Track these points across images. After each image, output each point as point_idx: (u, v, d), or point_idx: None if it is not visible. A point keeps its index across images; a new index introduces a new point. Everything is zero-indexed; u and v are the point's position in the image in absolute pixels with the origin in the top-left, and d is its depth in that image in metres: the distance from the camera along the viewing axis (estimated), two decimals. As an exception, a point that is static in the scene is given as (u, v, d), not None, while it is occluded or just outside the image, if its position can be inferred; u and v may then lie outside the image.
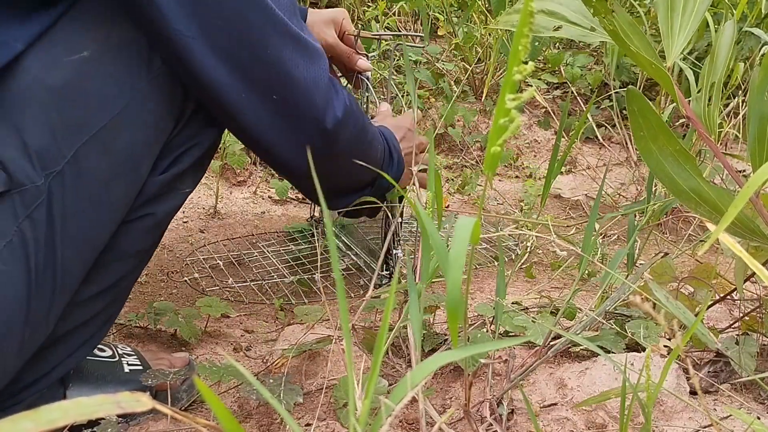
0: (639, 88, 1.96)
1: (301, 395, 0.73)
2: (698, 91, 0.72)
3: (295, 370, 0.82)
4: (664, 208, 1.00)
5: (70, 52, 0.58)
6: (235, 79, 0.64)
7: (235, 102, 0.65)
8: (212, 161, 1.44)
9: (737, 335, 0.77)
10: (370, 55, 1.07)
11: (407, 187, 0.94)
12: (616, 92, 1.99)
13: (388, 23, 2.15)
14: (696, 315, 0.77)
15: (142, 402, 0.27)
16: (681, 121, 1.96)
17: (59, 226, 0.58)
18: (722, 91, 1.87)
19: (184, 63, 0.61)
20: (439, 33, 2.26)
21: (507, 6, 1.96)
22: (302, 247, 1.28)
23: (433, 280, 0.63)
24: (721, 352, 0.76)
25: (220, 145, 1.46)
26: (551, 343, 0.76)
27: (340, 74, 1.05)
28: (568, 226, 1.50)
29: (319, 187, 0.37)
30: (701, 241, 1.33)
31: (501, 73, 2.10)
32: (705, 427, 0.66)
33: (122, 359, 0.78)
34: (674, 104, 1.69)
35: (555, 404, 0.70)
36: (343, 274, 1.18)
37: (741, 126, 1.76)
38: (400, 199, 0.96)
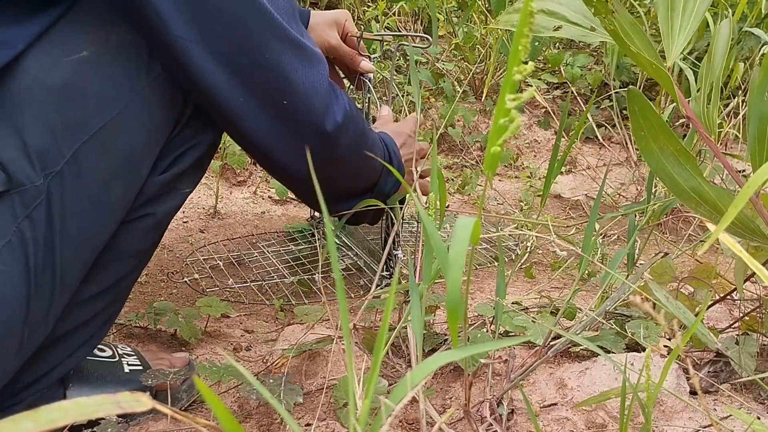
0: (639, 88, 1.96)
1: (301, 395, 0.73)
2: (698, 91, 0.72)
3: (295, 370, 0.82)
4: (665, 208, 1.00)
5: (70, 53, 0.58)
6: (234, 84, 0.64)
7: (235, 107, 0.65)
8: (212, 161, 1.44)
9: (737, 335, 0.77)
10: (372, 56, 1.07)
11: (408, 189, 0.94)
12: (616, 92, 1.99)
13: (388, 23, 2.15)
14: (696, 315, 0.77)
15: (142, 402, 0.27)
16: (681, 121, 1.96)
17: (58, 226, 0.58)
18: (722, 91, 1.87)
19: (184, 68, 0.61)
20: (439, 33, 2.26)
21: (507, 6, 1.96)
22: (302, 247, 1.28)
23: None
24: (721, 352, 0.76)
25: (220, 145, 1.47)
26: (551, 343, 0.76)
27: (342, 75, 1.05)
28: (568, 226, 1.50)
29: (319, 192, 0.37)
30: (701, 241, 1.33)
31: (501, 73, 2.10)
32: (705, 427, 0.66)
33: (122, 359, 0.78)
34: (674, 104, 1.69)
35: (555, 404, 0.70)
36: (343, 275, 1.18)
37: (741, 126, 1.76)
38: (401, 201, 0.96)
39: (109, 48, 0.59)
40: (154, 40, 0.60)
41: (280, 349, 0.87)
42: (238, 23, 0.62)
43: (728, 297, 0.87)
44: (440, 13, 2.27)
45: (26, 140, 0.56)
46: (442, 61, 2.10)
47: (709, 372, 0.77)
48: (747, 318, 0.80)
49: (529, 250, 1.35)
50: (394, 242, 1.05)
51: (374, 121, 1.07)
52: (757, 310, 0.81)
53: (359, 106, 1.10)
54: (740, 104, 1.83)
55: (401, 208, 0.94)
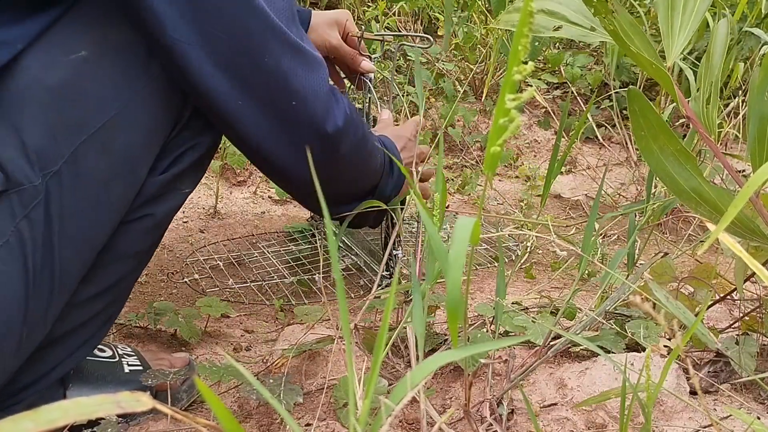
0: (639, 88, 1.96)
1: (301, 395, 0.73)
2: (697, 91, 0.72)
3: (295, 370, 0.82)
4: (665, 208, 1.00)
5: (68, 52, 0.58)
6: (233, 88, 0.64)
7: (234, 110, 0.65)
8: (212, 161, 1.43)
9: (737, 335, 0.77)
10: (372, 56, 1.07)
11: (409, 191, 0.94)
12: (616, 92, 1.99)
13: (388, 23, 2.15)
14: (696, 315, 0.77)
15: (142, 402, 0.27)
16: (681, 121, 1.96)
17: (57, 226, 0.58)
18: (722, 91, 1.87)
19: (183, 70, 0.61)
20: (439, 33, 2.26)
21: (507, 6, 1.95)
22: (302, 247, 1.28)
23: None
24: (721, 352, 0.76)
25: (220, 145, 1.46)
26: (551, 343, 0.76)
27: (343, 75, 1.05)
28: (568, 226, 1.50)
29: (321, 195, 0.37)
30: (701, 241, 1.33)
31: (501, 73, 2.10)
32: (705, 427, 0.66)
33: (122, 359, 0.78)
34: (674, 104, 1.69)
35: (555, 404, 0.70)
36: (343, 275, 1.18)
37: (741, 126, 1.76)
38: (401, 203, 0.96)
39: (107, 48, 0.59)
40: (153, 41, 0.60)
41: (280, 349, 0.87)
42: (238, 27, 0.62)
43: (728, 297, 0.87)
44: (440, 13, 2.27)
45: (25, 140, 0.56)
46: (442, 61, 2.10)
47: (709, 372, 0.77)
48: (747, 318, 0.80)
49: (529, 250, 1.35)
50: (394, 242, 1.05)
51: (375, 121, 1.07)
52: (757, 310, 0.81)
53: (359, 106, 1.10)
54: (740, 104, 1.83)
55: (402, 209, 0.94)
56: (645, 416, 0.48)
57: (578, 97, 2.15)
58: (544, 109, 2.13)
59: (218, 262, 1.20)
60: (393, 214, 0.94)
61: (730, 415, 0.67)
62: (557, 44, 2.32)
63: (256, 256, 1.24)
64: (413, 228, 1.34)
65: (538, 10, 0.68)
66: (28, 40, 0.57)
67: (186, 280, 1.12)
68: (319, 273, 1.15)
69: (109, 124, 0.59)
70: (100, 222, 0.62)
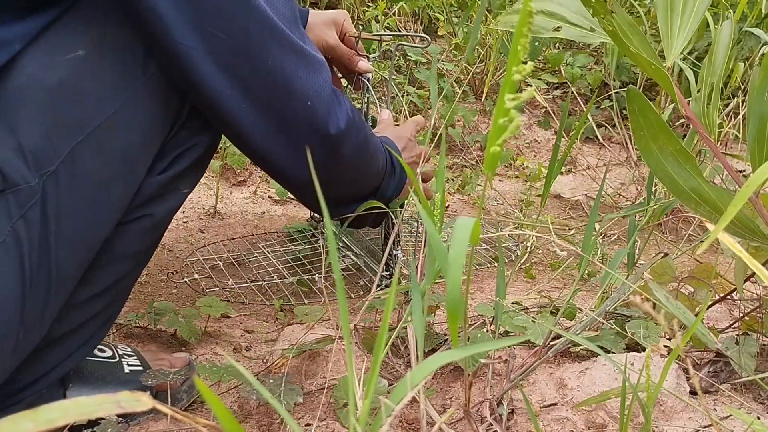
0: (639, 88, 1.96)
1: (301, 395, 0.73)
2: (698, 91, 0.72)
3: (295, 370, 0.82)
4: (665, 208, 1.00)
5: (66, 52, 0.58)
6: (235, 90, 0.64)
7: (236, 112, 0.65)
8: (212, 161, 1.43)
9: (737, 335, 0.77)
10: (370, 56, 1.07)
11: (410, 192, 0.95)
12: (616, 92, 1.99)
13: (388, 23, 2.15)
14: (696, 315, 0.77)
15: (142, 402, 0.27)
16: (681, 121, 1.96)
17: (53, 226, 0.58)
18: (722, 91, 1.87)
19: (184, 72, 0.61)
20: (439, 33, 2.26)
21: (507, 6, 1.96)
22: (302, 247, 1.28)
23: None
24: (721, 352, 0.76)
25: (220, 145, 1.47)
26: (551, 343, 0.76)
27: (340, 75, 1.05)
28: (569, 228, 1.50)
29: (320, 196, 0.37)
30: (701, 241, 1.33)
31: (501, 73, 2.10)
32: (705, 427, 0.66)
33: (122, 360, 0.78)
34: (674, 104, 1.69)
35: (555, 404, 0.70)
36: (343, 275, 1.18)
37: (741, 126, 1.76)
38: (402, 205, 0.96)
39: (106, 47, 0.59)
40: (154, 42, 0.60)
41: (280, 349, 0.87)
42: (240, 28, 0.62)
43: (728, 297, 0.87)
44: (440, 13, 2.27)
45: (21, 140, 0.56)
46: (442, 61, 2.10)
47: (709, 372, 0.77)
48: (747, 318, 0.80)
49: (529, 250, 1.35)
50: (393, 242, 1.05)
51: (373, 121, 1.07)
52: (757, 310, 0.81)
53: (357, 106, 1.10)
54: (740, 104, 1.83)
55: (401, 210, 0.94)
56: (645, 416, 0.48)
57: (578, 97, 2.15)
58: (544, 109, 2.13)
59: (218, 262, 1.20)
60: (393, 215, 0.94)
61: (730, 415, 0.67)
62: (557, 44, 2.32)
63: (256, 256, 1.24)
64: (413, 228, 1.34)
65: (537, 11, 0.68)
66: (27, 40, 0.57)
67: (186, 280, 1.12)
68: (318, 273, 1.15)
69: (106, 123, 0.59)
70: (98, 222, 0.61)
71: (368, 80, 1.03)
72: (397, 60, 2.05)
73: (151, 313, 0.94)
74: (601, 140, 1.98)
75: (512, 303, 0.95)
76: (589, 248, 0.76)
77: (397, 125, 1.03)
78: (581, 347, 0.80)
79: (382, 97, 1.11)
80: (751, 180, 0.44)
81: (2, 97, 0.56)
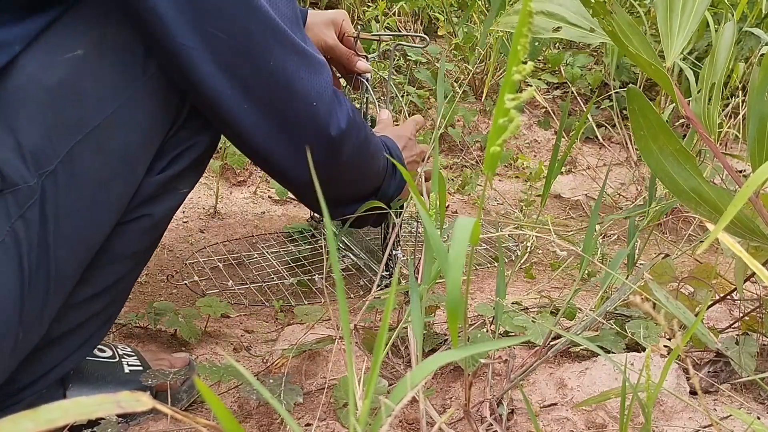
0: (639, 88, 1.96)
1: (301, 395, 0.73)
2: (698, 92, 0.72)
3: (295, 370, 0.82)
4: (665, 208, 1.00)
5: (65, 51, 0.58)
6: (236, 90, 0.64)
7: (236, 113, 0.65)
8: (212, 161, 1.43)
9: (737, 335, 0.77)
10: (370, 55, 1.07)
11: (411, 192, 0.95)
12: (616, 92, 1.99)
13: (388, 23, 2.15)
14: (696, 315, 0.77)
15: (142, 402, 0.27)
16: (681, 121, 1.96)
17: (52, 226, 0.58)
18: (722, 91, 1.88)
19: (184, 72, 0.61)
20: (439, 33, 2.26)
21: (507, 6, 1.95)
22: (302, 247, 1.28)
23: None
24: (721, 352, 0.76)
25: (220, 145, 1.47)
26: (551, 343, 0.76)
27: (339, 76, 1.05)
28: (569, 228, 1.50)
29: (322, 198, 0.37)
30: (701, 241, 1.33)
31: (501, 73, 2.10)
32: (705, 427, 0.66)
33: (122, 360, 0.78)
34: (674, 104, 1.69)
35: (555, 404, 0.70)
36: (343, 275, 1.18)
37: (741, 126, 1.76)
38: (402, 206, 0.96)
39: (104, 47, 0.59)
40: (155, 42, 0.60)
41: (280, 349, 0.87)
42: (241, 29, 0.62)
43: (728, 297, 0.87)
44: (440, 13, 2.27)
45: (20, 140, 0.56)
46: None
47: (709, 372, 0.77)
48: (747, 318, 0.80)
49: (529, 250, 1.35)
50: (393, 242, 1.05)
51: (372, 121, 1.07)
52: (757, 310, 0.81)
53: (357, 106, 1.10)
54: (740, 104, 1.83)
55: (401, 210, 0.94)
56: (645, 416, 0.48)
57: (578, 97, 2.15)
58: (544, 109, 2.13)
59: (218, 263, 1.20)
60: (393, 215, 0.94)
61: (730, 415, 0.67)
62: (557, 44, 2.32)
63: (256, 257, 1.24)
64: (413, 228, 1.34)
65: (537, 11, 0.68)
66: (27, 41, 0.57)
67: (186, 282, 1.12)
68: (318, 273, 1.15)
69: (105, 123, 0.59)
70: (97, 222, 0.61)
71: (367, 80, 1.03)
72: (397, 60, 2.05)
73: (151, 313, 0.94)
74: (601, 140, 1.98)
75: (512, 303, 0.95)
76: (590, 249, 0.76)
77: (397, 125, 1.03)
78: (581, 347, 0.80)
79: (382, 97, 1.11)
80: (751, 180, 0.44)
81: (2, 97, 0.56)
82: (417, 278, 0.76)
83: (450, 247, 0.39)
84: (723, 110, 1.84)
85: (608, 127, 2.04)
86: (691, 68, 1.62)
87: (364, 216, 0.88)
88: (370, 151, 0.81)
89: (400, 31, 2.20)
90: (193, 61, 0.61)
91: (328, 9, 1.95)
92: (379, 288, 0.84)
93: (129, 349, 0.80)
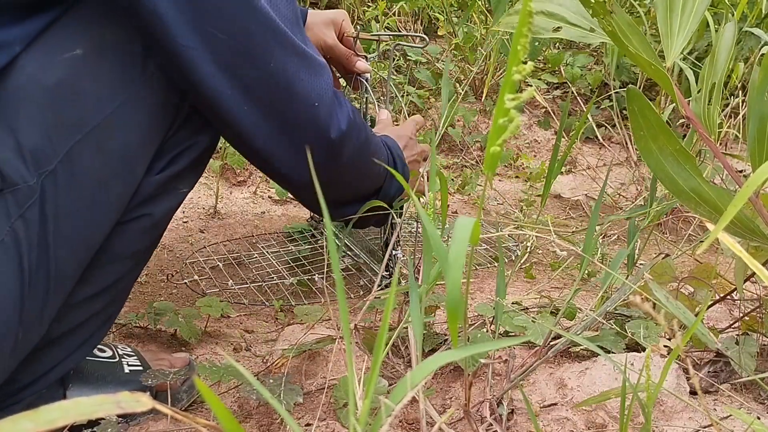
0: (639, 88, 1.96)
1: (301, 395, 0.73)
2: (698, 92, 0.72)
3: (295, 370, 0.82)
4: (665, 208, 1.00)
5: (64, 51, 0.58)
6: (236, 91, 0.64)
7: (236, 113, 0.65)
8: (212, 161, 1.43)
9: (737, 335, 0.77)
10: (369, 55, 1.07)
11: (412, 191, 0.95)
12: (616, 92, 1.99)
13: (388, 23, 2.15)
14: (696, 315, 0.77)
15: (142, 402, 0.27)
16: (681, 121, 1.96)
17: (52, 225, 0.58)
18: (722, 91, 1.88)
19: (184, 72, 0.61)
20: (439, 33, 2.26)
21: (507, 7, 1.95)
22: (302, 247, 1.28)
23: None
24: (721, 352, 0.76)
25: (220, 145, 1.47)
26: (551, 343, 0.76)
27: (339, 76, 1.05)
28: (569, 228, 1.50)
29: (322, 199, 0.37)
30: (701, 241, 1.33)
31: (501, 73, 2.10)
32: (705, 427, 0.66)
33: (122, 360, 0.78)
34: (674, 104, 1.69)
35: (555, 404, 0.70)
36: (343, 275, 1.18)
37: (741, 126, 1.76)
38: (401, 207, 0.96)
39: (103, 47, 0.59)
40: (154, 43, 0.60)
41: (280, 349, 0.87)
42: (242, 30, 0.62)
43: (728, 297, 0.87)
44: (440, 13, 2.27)
45: (20, 140, 0.56)
46: (442, 61, 2.10)
47: (709, 372, 0.77)
48: (747, 318, 0.80)
49: (529, 250, 1.35)
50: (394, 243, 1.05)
51: (372, 122, 1.07)
52: (757, 310, 0.81)
53: (357, 105, 1.10)
54: (740, 104, 1.83)
55: (401, 211, 0.94)
56: (645, 416, 0.48)
57: (578, 97, 2.15)
58: (544, 109, 2.13)
59: (218, 262, 1.20)
60: (393, 214, 0.94)
61: (730, 415, 0.67)
62: (557, 44, 2.32)
63: (256, 257, 1.24)
64: (413, 228, 1.34)
65: (537, 11, 0.68)
66: (27, 42, 0.57)
67: (186, 281, 1.12)
68: (318, 273, 1.15)
69: (105, 123, 0.59)
70: (96, 222, 0.61)
71: (367, 80, 1.03)
72: (397, 60, 2.05)
73: (151, 313, 0.94)
74: (601, 140, 1.98)
75: (512, 303, 0.95)
76: (590, 249, 0.76)
77: (397, 125, 1.03)
78: (581, 347, 0.80)
79: (381, 97, 1.11)
80: (751, 180, 0.44)
81: (2, 97, 0.56)
82: (417, 278, 0.76)
83: (450, 248, 0.39)
84: (723, 110, 1.84)
85: (608, 127, 2.04)
86: (691, 68, 1.62)
87: (367, 216, 0.88)
88: (371, 152, 0.81)
89: (400, 31, 2.20)
90: (193, 61, 0.60)
91: (328, 9, 1.95)
92: (379, 288, 0.84)
93: (129, 349, 0.80)
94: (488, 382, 0.73)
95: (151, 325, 0.94)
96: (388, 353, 0.83)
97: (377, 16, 2.12)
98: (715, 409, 0.70)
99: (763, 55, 1.55)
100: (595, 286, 1.13)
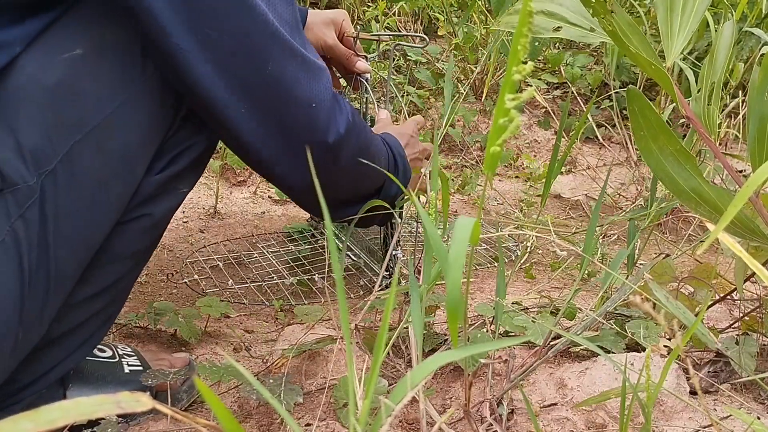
0: (639, 88, 1.96)
1: (301, 395, 0.73)
2: (698, 92, 0.72)
3: (295, 370, 0.82)
4: (665, 209, 1.00)
5: (64, 51, 0.58)
6: (233, 95, 0.63)
7: (233, 117, 0.65)
8: (212, 161, 1.43)
9: (737, 335, 0.77)
10: (369, 55, 1.07)
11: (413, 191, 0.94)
12: (616, 92, 1.99)
13: (388, 23, 2.15)
14: (696, 315, 0.77)
15: (142, 402, 0.27)
16: (681, 121, 1.96)
17: (52, 225, 0.58)
18: (722, 91, 1.88)
19: (180, 74, 0.61)
20: (439, 33, 2.26)
21: (507, 6, 1.95)
22: (302, 247, 1.28)
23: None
24: (721, 352, 0.76)
25: (220, 145, 1.46)
26: (551, 343, 0.76)
27: (339, 76, 1.05)
28: (569, 228, 1.50)
29: (322, 200, 0.36)
30: (701, 241, 1.33)
31: (501, 73, 2.10)
32: (705, 427, 0.66)
33: (122, 360, 0.78)
34: (674, 104, 1.69)
35: (555, 404, 0.70)
36: (343, 275, 1.17)
37: (741, 126, 1.76)
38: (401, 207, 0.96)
39: (103, 47, 0.59)
40: (151, 44, 0.60)
41: (280, 349, 0.87)
42: (240, 33, 0.61)
43: (728, 297, 0.87)
44: (440, 13, 2.27)
45: (20, 140, 0.56)
46: (442, 61, 2.10)
47: (709, 372, 0.77)
48: (747, 318, 0.80)
49: (529, 250, 1.35)
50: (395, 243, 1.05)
51: (372, 122, 1.07)
52: (757, 310, 0.81)
53: (356, 106, 1.10)
54: (740, 104, 1.83)
55: (401, 211, 0.94)
56: (645, 416, 0.48)
57: (578, 97, 2.15)
58: (544, 109, 2.13)
59: (218, 262, 1.20)
60: (394, 215, 0.94)
61: (730, 415, 0.67)
62: (557, 44, 2.32)
63: (256, 257, 1.24)
64: (413, 228, 1.34)
65: (537, 11, 0.68)
66: (27, 42, 0.57)
67: (186, 280, 1.12)
68: (318, 273, 1.15)
69: (105, 123, 0.59)
70: (96, 222, 0.61)
71: (367, 80, 1.03)
72: (397, 60, 2.05)
73: (151, 313, 0.94)
74: (601, 140, 1.99)
75: (512, 303, 0.95)
76: (590, 249, 0.76)
77: (396, 124, 1.03)
78: (581, 347, 0.80)
79: (381, 98, 1.11)
80: (751, 180, 0.44)
81: (2, 97, 0.56)
82: (417, 278, 0.76)
83: (450, 248, 0.39)
84: (723, 110, 1.84)
85: (608, 127, 2.04)
86: (691, 68, 1.62)
87: (369, 215, 0.88)
88: (371, 153, 0.81)
89: (400, 31, 2.20)
90: (188, 62, 0.60)
91: (328, 9, 1.95)
92: (379, 288, 0.84)
93: (129, 349, 0.80)
94: (488, 382, 0.73)
95: (151, 325, 0.94)
96: (388, 353, 0.83)
97: (377, 16, 2.12)
98: (715, 409, 0.70)
99: (763, 55, 1.55)
100: (595, 286, 1.13)
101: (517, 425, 0.69)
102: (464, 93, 2.00)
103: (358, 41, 1.00)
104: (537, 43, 2.01)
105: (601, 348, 0.76)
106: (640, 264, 1.11)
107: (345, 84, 1.08)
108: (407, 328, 0.70)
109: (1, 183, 0.55)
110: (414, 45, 1.11)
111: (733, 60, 1.85)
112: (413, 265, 0.73)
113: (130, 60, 0.60)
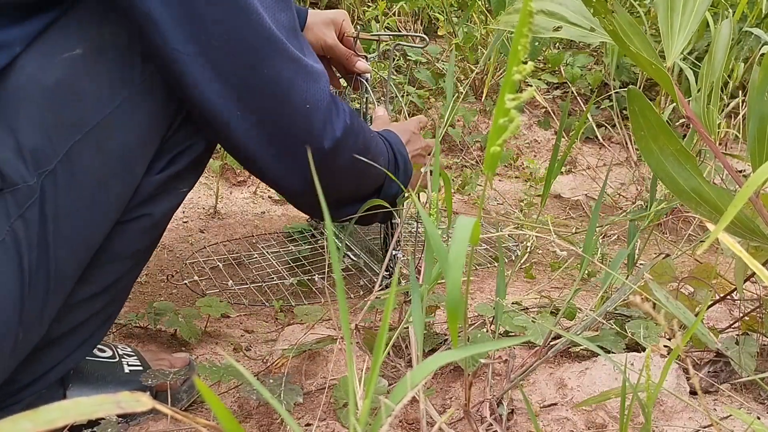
0: (639, 88, 1.96)
1: (301, 395, 0.73)
2: (698, 91, 0.72)
3: (295, 370, 0.82)
4: (666, 209, 1.00)
5: (63, 51, 0.58)
6: (230, 99, 0.63)
7: (228, 120, 0.65)
8: (212, 161, 1.43)
9: (737, 335, 0.77)
10: (369, 55, 1.07)
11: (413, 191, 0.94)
12: (616, 92, 1.99)
13: (388, 23, 2.15)
14: (696, 315, 0.77)
15: (142, 402, 0.27)
16: (681, 121, 1.96)
17: (52, 225, 0.58)
18: (722, 91, 1.88)
19: (177, 77, 0.61)
20: (439, 33, 2.26)
21: (507, 6, 1.95)
22: (302, 247, 1.28)
23: (433, 280, 0.63)
24: (721, 352, 0.76)
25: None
26: (551, 343, 0.76)
27: (339, 76, 1.05)
28: (569, 228, 1.50)
29: (323, 200, 0.36)
30: (701, 241, 1.33)
31: (501, 73, 2.10)
32: (705, 427, 0.66)
33: (122, 360, 0.78)
34: (674, 104, 1.69)
35: (555, 404, 0.70)
36: (343, 275, 1.17)
37: (741, 126, 1.76)
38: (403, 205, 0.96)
39: (102, 47, 0.59)
40: (149, 47, 0.60)
41: (280, 349, 0.87)
42: (237, 37, 0.61)
43: (728, 297, 0.87)
44: (440, 13, 2.27)
45: (20, 140, 0.56)
46: (442, 61, 2.10)
47: (709, 372, 0.77)
48: (747, 318, 0.80)
49: (529, 250, 1.35)
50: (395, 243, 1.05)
51: (371, 121, 1.07)
52: (757, 310, 0.80)
53: (356, 106, 1.10)
54: (740, 104, 1.83)
55: (402, 208, 0.94)
56: (645, 416, 0.48)
57: (578, 97, 2.15)
58: (544, 109, 2.13)
59: (218, 262, 1.20)
60: (395, 214, 0.94)
61: (730, 415, 0.67)
62: (557, 44, 2.32)
63: (256, 257, 1.24)
64: (413, 228, 1.34)
65: (537, 10, 0.68)
66: (27, 42, 0.57)
67: (186, 282, 1.12)
68: (318, 273, 1.15)
69: (104, 122, 0.59)
70: (96, 221, 0.61)
71: (367, 80, 1.03)
72: (397, 60, 2.05)
73: (151, 313, 0.94)
74: (601, 140, 1.98)
75: (512, 303, 0.95)
76: (590, 249, 0.76)
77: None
78: (581, 347, 0.80)
79: (381, 98, 1.11)
80: (751, 180, 0.44)
81: (2, 98, 0.56)
82: (417, 278, 0.76)
83: (450, 248, 0.39)
84: (723, 110, 1.84)
85: (608, 127, 2.04)
86: (691, 68, 1.62)
87: (371, 213, 0.88)
88: (370, 153, 0.81)
89: (400, 31, 2.20)
90: (186, 66, 0.60)
91: (328, 9, 1.95)
92: (379, 288, 0.84)
93: (129, 349, 0.80)
94: (488, 382, 0.73)
95: (151, 325, 0.94)
96: (388, 353, 0.83)
97: (377, 16, 2.12)
98: (715, 409, 0.70)
99: (763, 54, 1.55)
100: (595, 286, 1.13)
101: (517, 425, 0.69)
102: (464, 93, 2.00)
103: (358, 41, 1.00)
104: (537, 43, 2.01)
105: (601, 348, 0.76)
106: (640, 264, 1.11)
107: (345, 84, 1.07)
108: (407, 328, 0.70)
109: (1, 183, 0.55)
110: (414, 45, 1.11)
111: (732, 60, 1.85)
112: (413, 265, 0.73)
113: (129, 60, 0.60)
